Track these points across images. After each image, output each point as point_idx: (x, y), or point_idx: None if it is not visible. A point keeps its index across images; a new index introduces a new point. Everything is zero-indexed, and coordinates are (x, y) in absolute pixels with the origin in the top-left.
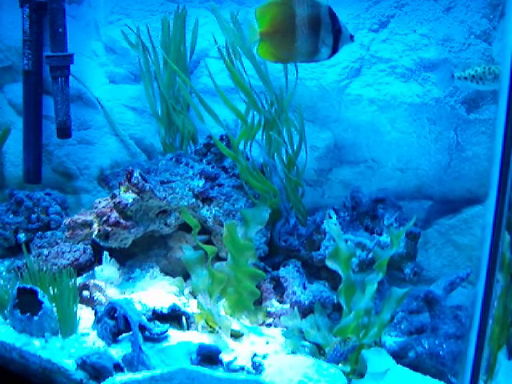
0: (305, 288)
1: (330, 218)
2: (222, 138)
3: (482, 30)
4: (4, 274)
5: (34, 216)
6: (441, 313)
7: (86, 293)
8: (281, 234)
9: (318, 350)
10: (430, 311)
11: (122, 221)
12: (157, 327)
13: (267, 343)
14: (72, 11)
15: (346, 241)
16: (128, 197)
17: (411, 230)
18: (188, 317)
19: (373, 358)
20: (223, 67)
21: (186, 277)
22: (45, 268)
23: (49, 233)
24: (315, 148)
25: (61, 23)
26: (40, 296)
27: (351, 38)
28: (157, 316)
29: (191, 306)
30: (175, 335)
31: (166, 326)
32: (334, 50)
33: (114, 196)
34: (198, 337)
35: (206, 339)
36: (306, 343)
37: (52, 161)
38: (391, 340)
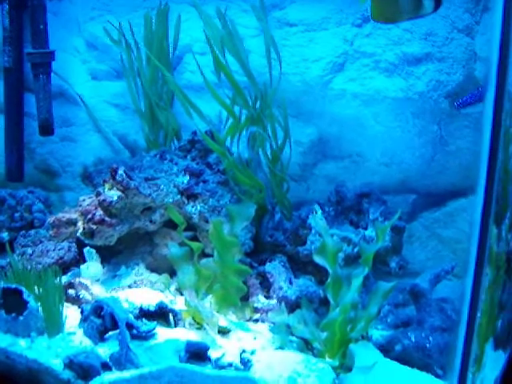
0: (291, 283)
1: (316, 213)
2: (206, 134)
3: (465, 25)
4: None
5: (17, 215)
6: (427, 306)
7: (71, 291)
8: (266, 229)
9: (306, 345)
10: (416, 304)
11: (106, 218)
12: (144, 325)
13: (255, 339)
14: (53, 7)
15: (332, 235)
16: (113, 194)
17: (396, 223)
18: (175, 314)
19: (360, 352)
20: (206, 63)
21: (172, 274)
22: (29, 267)
23: (32, 231)
24: (299, 143)
25: (42, 20)
26: (25, 296)
27: None
28: (144, 314)
29: (178, 303)
30: (163, 333)
31: (154, 323)
32: (438, 3)
33: (98, 194)
34: (185, 334)
35: (193, 336)
36: (294, 338)
37: (34, 158)
38: (378, 333)
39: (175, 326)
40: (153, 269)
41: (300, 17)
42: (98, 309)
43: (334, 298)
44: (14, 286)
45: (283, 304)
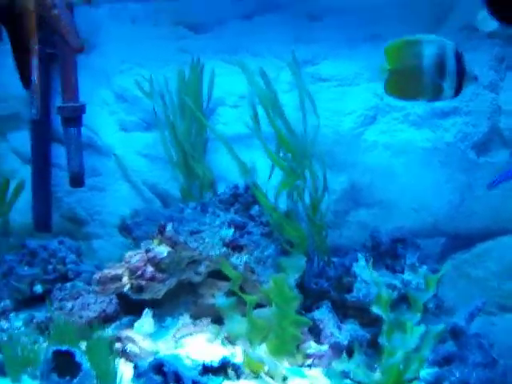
0: (340, 328)
1: (358, 260)
2: (250, 187)
3: (490, 81)
4: (23, 328)
5: (50, 267)
6: (467, 343)
7: (118, 345)
8: (310, 276)
9: None
10: (456, 342)
11: (157, 275)
12: (210, 381)
13: None
14: (81, 60)
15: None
16: (162, 250)
17: (435, 268)
18: (238, 367)
19: None
20: (238, 116)
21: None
22: (71, 321)
23: (69, 284)
24: (332, 191)
25: (73, 73)
26: (78, 357)
27: (475, 78)
28: (206, 370)
29: (238, 355)
30: None
31: (220, 379)
32: (458, 90)
33: (148, 250)
34: None
35: None
36: (348, 381)
37: (61, 207)
38: (424, 372)
39: (237, 379)
40: (197, 318)
41: (333, 72)
42: (159, 366)
43: (390, 343)
44: (65, 347)
45: (343, 351)
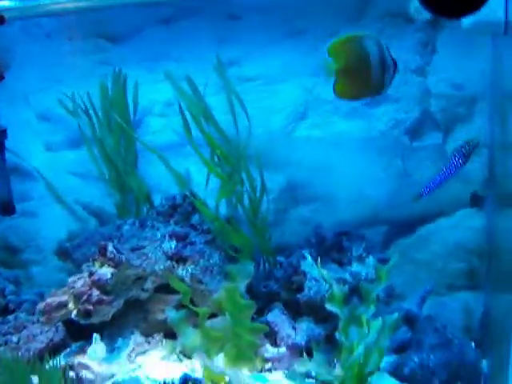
0: (295, 329)
1: (305, 258)
2: (187, 197)
3: (416, 66)
4: None
5: None
6: (421, 327)
7: (71, 373)
8: (258, 280)
9: None
10: (410, 327)
11: (104, 297)
12: None
13: None
14: None
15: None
16: (106, 272)
17: (382, 257)
18: (199, 382)
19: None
20: (166, 124)
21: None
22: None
23: (11, 317)
24: (270, 190)
25: None
26: None
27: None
28: None
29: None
30: None
31: None
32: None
33: (91, 274)
34: None
35: None
36: (310, 381)
37: None
38: (383, 361)
39: None
40: (148, 335)
41: (258, 71)
42: None
43: (347, 339)
44: None
45: (301, 352)
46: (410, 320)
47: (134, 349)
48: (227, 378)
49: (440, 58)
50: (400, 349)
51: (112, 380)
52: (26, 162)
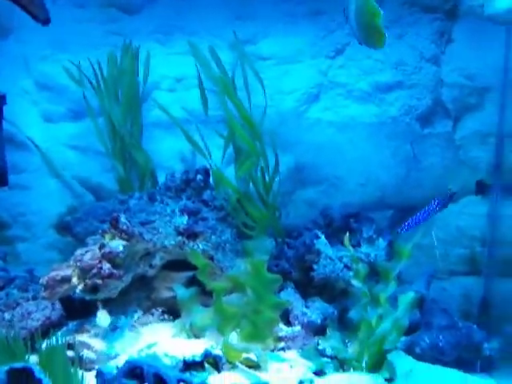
0: (307, 307)
1: (319, 238)
2: (202, 173)
3: (431, 54)
4: None
5: None
6: (429, 309)
7: (69, 353)
8: (269, 258)
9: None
10: (420, 309)
11: (115, 271)
12: (195, 377)
13: (291, 367)
14: None
15: (342, 257)
16: (117, 244)
17: (391, 239)
18: (219, 359)
19: (398, 361)
20: (174, 99)
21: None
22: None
23: (2, 293)
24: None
25: None
26: (37, 374)
27: None
28: (187, 365)
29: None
30: (212, 380)
31: (205, 373)
32: None
33: (102, 246)
34: (236, 377)
35: (239, 378)
36: (326, 359)
37: None
38: None
39: (219, 371)
40: (152, 314)
41: (273, 51)
42: (133, 370)
43: (369, 316)
44: (20, 364)
45: (316, 330)
46: (418, 302)
47: (136, 327)
48: (244, 356)
49: (455, 47)
50: (410, 329)
51: (122, 358)
52: (22, 132)
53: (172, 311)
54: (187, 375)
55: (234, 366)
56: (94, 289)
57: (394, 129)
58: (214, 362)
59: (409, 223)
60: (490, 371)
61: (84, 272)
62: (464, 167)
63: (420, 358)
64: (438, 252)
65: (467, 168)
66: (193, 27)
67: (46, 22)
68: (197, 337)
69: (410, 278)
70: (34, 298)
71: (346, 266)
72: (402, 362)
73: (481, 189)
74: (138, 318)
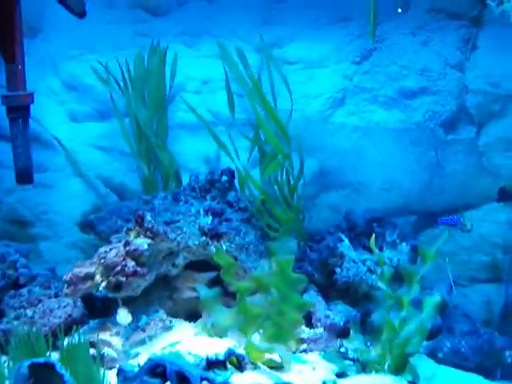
0: (330, 310)
1: (342, 241)
2: (227, 174)
3: (457, 61)
4: None
5: None
6: (451, 314)
7: (91, 351)
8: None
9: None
10: (442, 314)
11: (139, 269)
12: (218, 376)
13: (314, 369)
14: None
15: (365, 261)
16: (142, 242)
17: (414, 243)
18: (242, 358)
19: (420, 365)
20: (200, 101)
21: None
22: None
23: (24, 290)
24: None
25: (19, 59)
26: (58, 369)
27: None
28: (209, 364)
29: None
30: (235, 379)
31: (228, 372)
32: None
33: (126, 244)
34: (258, 377)
35: (261, 378)
36: (349, 362)
37: (1, 209)
38: None
39: (242, 371)
40: (173, 314)
41: (299, 55)
42: (155, 368)
43: (393, 319)
44: (42, 360)
45: (338, 333)
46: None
47: (157, 327)
48: (266, 356)
49: (480, 54)
50: (432, 334)
51: (143, 356)
52: (48, 131)
53: (193, 312)
54: (211, 374)
55: (256, 367)
56: (117, 287)
57: (419, 135)
58: (237, 362)
59: (446, 220)
60: (510, 379)
61: (108, 269)
62: (487, 174)
63: (442, 362)
64: (460, 258)
65: (490, 175)
66: (220, 31)
67: (81, 15)
68: (219, 337)
69: (430, 283)
70: (56, 296)
71: (369, 270)
72: (424, 365)
73: (503, 196)
74: (161, 317)
